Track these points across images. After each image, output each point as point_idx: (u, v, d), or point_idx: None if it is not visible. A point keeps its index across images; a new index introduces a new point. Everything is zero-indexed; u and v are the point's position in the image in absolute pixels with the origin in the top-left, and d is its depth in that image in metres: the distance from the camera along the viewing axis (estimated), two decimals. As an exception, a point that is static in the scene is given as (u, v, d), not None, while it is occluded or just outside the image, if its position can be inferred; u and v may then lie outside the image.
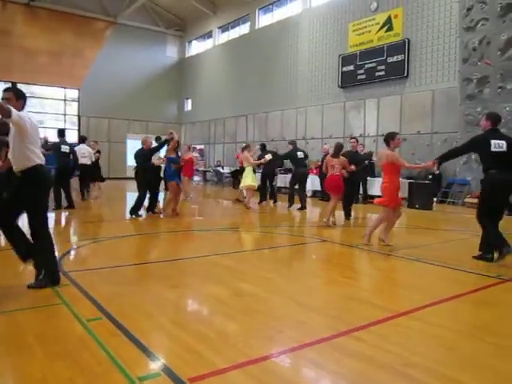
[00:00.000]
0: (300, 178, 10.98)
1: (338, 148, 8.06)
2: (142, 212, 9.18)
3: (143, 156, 8.96)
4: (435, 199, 12.10)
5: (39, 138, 4.02)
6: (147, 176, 9.02)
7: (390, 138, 6.09)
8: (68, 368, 2.39)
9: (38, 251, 3.91)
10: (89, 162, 11.60)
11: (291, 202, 10.87)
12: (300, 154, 11.05)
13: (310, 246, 6.58)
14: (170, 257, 5.52)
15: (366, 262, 5.62)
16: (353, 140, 10.17)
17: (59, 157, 9.77)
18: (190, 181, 13.80)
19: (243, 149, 11.55)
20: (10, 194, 3.92)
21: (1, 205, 4.00)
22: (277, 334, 2.96)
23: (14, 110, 3.55)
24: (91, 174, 12.13)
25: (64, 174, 9.81)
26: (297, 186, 11.07)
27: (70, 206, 9.86)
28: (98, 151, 13.02)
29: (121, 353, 2.57)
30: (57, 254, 5.38)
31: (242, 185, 11.30)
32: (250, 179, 10.84)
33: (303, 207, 10.60)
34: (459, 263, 5.15)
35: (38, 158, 3.86)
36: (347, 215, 9.01)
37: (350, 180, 8.45)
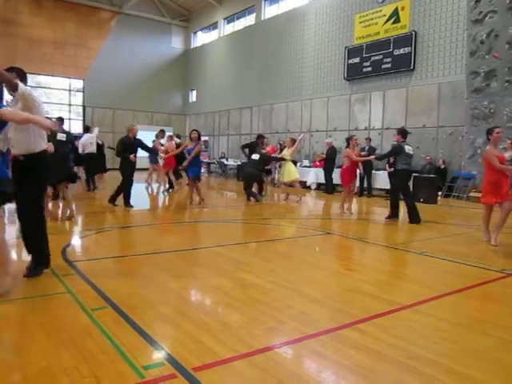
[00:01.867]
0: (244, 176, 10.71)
1: None
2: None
3: (122, 144, 8.73)
4: (440, 193, 12.04)
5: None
6: (127, 165, 8.71)
7: (488, 134, 5.93)
8: (73, 356, 2.41)
9: (38, 237, 3.89)
10: (95, 151, 11.53)
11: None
12: (254, 156, 10.55)
13: (314, 238, 6.57)
14: (174, 247, 5.53)
15: (370, 255, 5.61)
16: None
17: (55, 145, 9.52)
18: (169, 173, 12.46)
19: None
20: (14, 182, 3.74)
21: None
22: (280, 325, 2.97)
23: (21, 85, 3.44)
24: (98, 163, 12.07)
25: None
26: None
27: (54, 196, 9.17)
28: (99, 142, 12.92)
29: (125, 342, 2.59)
30: (62, 243, 5.41)
31: (287, 179, 10.94)
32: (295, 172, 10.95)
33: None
34: (463, 257, 5.14)
35: (44, 143, 3.81)
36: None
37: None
